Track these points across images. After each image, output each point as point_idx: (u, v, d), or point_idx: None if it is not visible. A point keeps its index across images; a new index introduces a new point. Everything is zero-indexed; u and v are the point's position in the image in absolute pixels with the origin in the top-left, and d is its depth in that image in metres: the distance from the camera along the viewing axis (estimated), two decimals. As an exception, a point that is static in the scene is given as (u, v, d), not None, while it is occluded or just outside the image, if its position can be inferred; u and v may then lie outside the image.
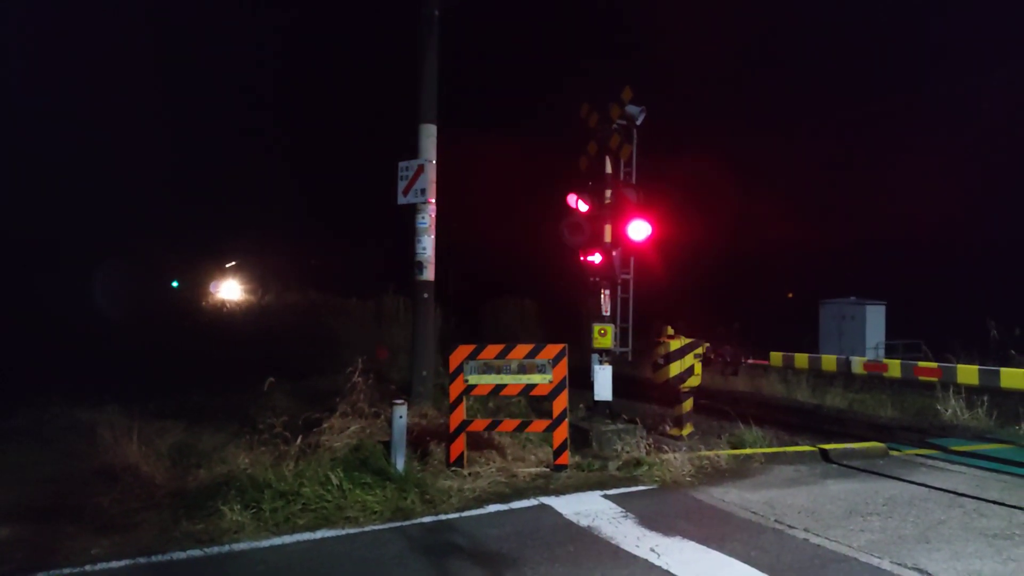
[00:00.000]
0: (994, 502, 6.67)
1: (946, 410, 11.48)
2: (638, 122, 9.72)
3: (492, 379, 7.38)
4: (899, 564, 5.02)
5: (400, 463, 6.59)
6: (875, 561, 5.07)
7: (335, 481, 6.06)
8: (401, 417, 6.66)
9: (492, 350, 7.37)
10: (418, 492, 6.22)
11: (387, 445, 6.77)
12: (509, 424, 7.58)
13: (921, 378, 13.05)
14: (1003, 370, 11.67)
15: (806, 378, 14.84)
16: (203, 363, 13.52)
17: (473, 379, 7.35)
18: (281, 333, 16.96)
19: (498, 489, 6.63)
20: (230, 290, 38.59)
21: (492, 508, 6.12)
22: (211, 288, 37.45)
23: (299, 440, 6.84)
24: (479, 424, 7.48)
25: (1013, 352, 15.25)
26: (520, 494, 6.52)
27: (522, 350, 7.38)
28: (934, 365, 13.07)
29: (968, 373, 12.21)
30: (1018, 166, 31.75)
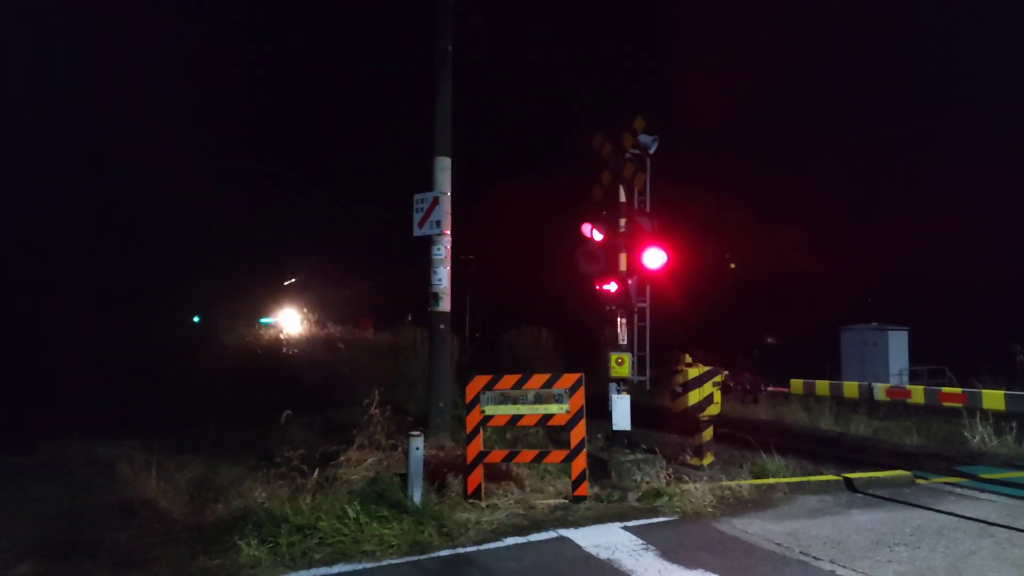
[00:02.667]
0: (1027, 531, 6.48)
1: (973, 437, 11.23)
2: (651, 151, 9.77)
3: (509, 409, 7.33)
4: (930, 597, 4.88)
5: (417, 496, 6.53)
6: (904, 594, 4.93)
7: (352, 514, 6.02)
8: (418, 449, 6.62)
9: (509, 380, 7.34)
10: (435, 525, 6.15)
11: (404, 477, 6.73)
12: (527, 455, 7.51)
13: (946, 404, 12.83)
14: (1029, 395, 11.46)
15: (828, 406, 14.60)
16: (221, 396, 13.57)
17: (490, 410, 7.31)
18: (299, 365, 17.03)
19: (516, 521, 6.55)
20: (289, 319, 31.40)
21: (510, 541, 6.03)
22: (266, 321, 31.85)
23: (316, 473, 6.81)
24: (496, 455, 7.42)
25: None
26: (538, 526, 6.43)
27: (539, 380, 7.34)
28: (959, 391, 12.86)
29: (994, 398, 12.00)
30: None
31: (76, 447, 9.31)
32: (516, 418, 7.33)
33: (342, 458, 7.53)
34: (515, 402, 7.36)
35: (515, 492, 7.36)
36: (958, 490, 8.30)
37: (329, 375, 15.24)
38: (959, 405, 12.25)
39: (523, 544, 5.97)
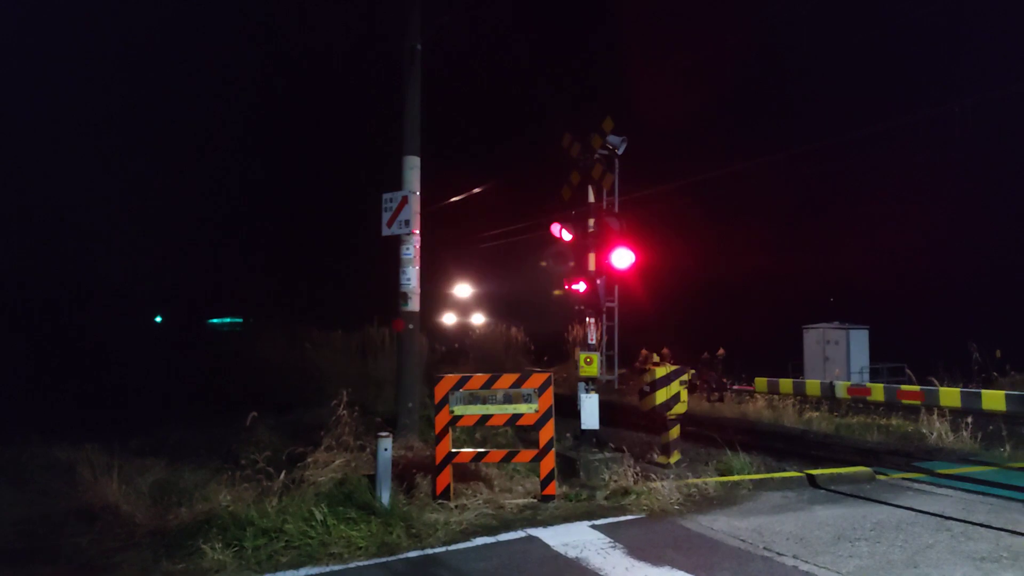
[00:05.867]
0: (981, 525, 6.67)
1: (931, 433, 11.53)
2: (620, 152, 9.85)
3: (478, 409, 7.34)
4: (888, 590, 5.00)
5: (385, 497, 6.50)
6: (864, 587, 5.04)
7: (319, 517, 5.97)
8: (386, 450, 6.59)
9: (478, 380, 7.34)
10: (404, 526, 6.13)
11: (372, 479, 6.69)
12: (496, 455, 7.52)
13: (904, 401, 13.16)
14: (984, 392, 11.81)
15: (792, 403, 14.89)
16: (184, 398, 13.33)
17: (459, 410, 7.30)
18: (264, 367, 16.78)
19: (485, 521, 6.55)
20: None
21: (479, 541, 6.04)
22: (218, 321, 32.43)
23: (282, 475, 6.74)
24: (465, 455, 7.42)
25: (995, 374, 15.42)
26: (507, 526, 6.45)
27: (508, 380, 7.36)
28: (917, 388, 13.20)
29: (950, 396, 12.34)
30: (998, 194, 32.46)
31: (35, 451, 9.06)
32: (485, 418, 7.34)
33: (309, 460, 7.45)
34: (484, 402, 7.37)
35: (484, 492, 7.36)
36: (916, 485, 8.52)
37: (298, 376, 15.06)
38: (918, 402, 12.59)
39: (492, 544, 5.98)
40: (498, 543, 6.00)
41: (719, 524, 6.67)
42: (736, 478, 8.33)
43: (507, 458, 7.51)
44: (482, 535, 6.17)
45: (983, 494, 8.04)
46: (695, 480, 8.04)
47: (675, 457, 9.66)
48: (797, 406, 14.68)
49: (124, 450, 8.61)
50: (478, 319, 29.65)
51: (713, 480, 8.14)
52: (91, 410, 11.58)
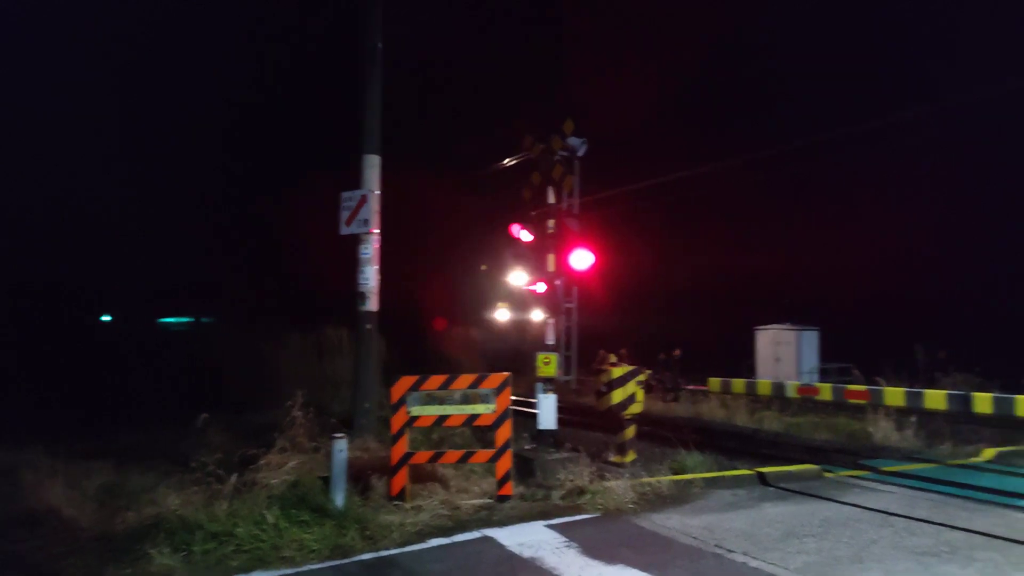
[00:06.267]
0: (922, 520, 6.90)
1: (877, 432, 11.90)
2: (580, 153, 9.97)
3: (435, 410, 7.31)
4: (833, 584, 5.14)
5: (340, 499, 6.44)
6: (810, 582, 5.18)
7: (271, 520, 5.88)
8: (341, 451, 6.53)
9: (435, 381, 7.32)
10: (358, 528, 6.08)
11: (327, 480, 6.62)
12: (452, 455, 7.52)
13: (851, 400, 13.56)
14: (926, 392, 12.24)
15: (744, 403, 15.20)
16: (134, 399, 12.99)
17: (416, 410, 7.27)
18: (218, 367, 16.46)
19: (440, 522, 6.54)
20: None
21: (434, 542, 6.02)
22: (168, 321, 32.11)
23: (234, 478, 6.62)
24: (422, 456, 7.39)
25: (939, 375, 16.00)
26: (463, 527, 6.45)
27: (466, 380, 7.35)
28: (863, 388, 13.62)
29: (895, 395, 12.75)
30: (945, 196, 33.71)
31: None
32: (443, 419, 7.32)
33: (262, 462, 7.34)
34: (442, 402, 7.34)
35: (440, 493, 7.34)
36: (862, 483, 8.78)
37: (253, 377, 14.80)
38: (864, 402, 12.98)
39: (447, 545, 5.97)
40: (453, 544, 6.00)
41: (672, 522, 6.77)
42: (689, 476, 8.47)
43: (464, 458, 7.50)
44: (437, 536, 6.16)
45: (925, 490, 8.34)
46: (649, 479, 8.15)
47: (631, 456, 9.78)
48: (749, 406, 15.00)
49: (70, 453, 8.34)
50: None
51: (667, 479, 8.27)
52: (35, 412, 11.20)
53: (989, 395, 12.45)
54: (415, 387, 7.27)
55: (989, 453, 10.80)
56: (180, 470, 7.17)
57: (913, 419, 11.81)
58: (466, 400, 7.36)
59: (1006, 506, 7.58)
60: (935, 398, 11.86)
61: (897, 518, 7.01)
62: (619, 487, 7.56)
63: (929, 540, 6.26)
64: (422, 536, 6.15)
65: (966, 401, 12.44)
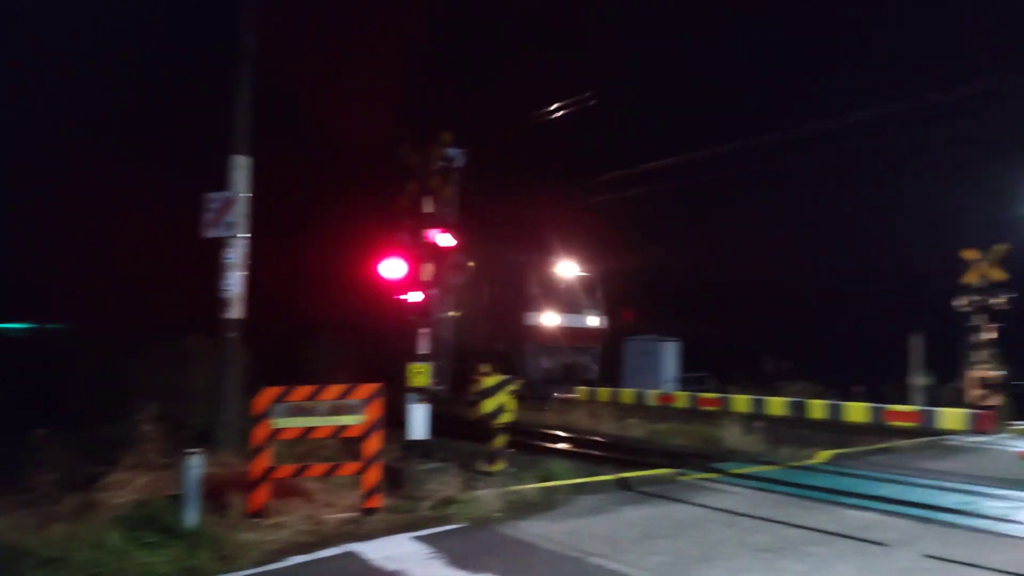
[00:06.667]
0: (764, 519, 7.46)
1: (728, 436, 12.75)
2: (458, 164, 10.01)
3: (302, 422, 7.12)
4: (683, 583, 5.46)
5: (192, 518, 6.10)
6: (662, 582, 5.48)
7: (114, 542, 5.48)
8: (194, 467, 6.19)
9: (302, 391, 7.13)
10: (212, 548, 5.78)
11: (179, 499, 6.25)
12: (318, 468, 7.33)
13: (704, 408, 14.52)
14: (768, 399, 13.32)
15: (611, 411, 15.82)
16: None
17: (281, 423, 7.04)
18: (63, 377, 15.12)
19: (303, 539, 6.34)
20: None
21: (294, 560, 5.84)
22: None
23: (72, 498, 6.11)
24: (285, 470, 7.15)
25: (783, 383, 17.44)
26: (327, 542, 6.29)
27: (335, 391, 7.21)
28: (715, 396, 14.61)
29: (742, 403, 13.79)
30: (790, 211, 36.79)
31: None
32: (309, 431, 7.13)
33: (108, 480, 6.82)
34: (309, 414, 7.16)
35: (304, 508, 7.13)
36: (713, 485, 9.38)
37: (103, 388, 13.69)
38: (716, 408, 13.93)
39: (308, 562, 5.81)
40: (314, 561, 5.84)
41: (537, 529, 6.94)
42: (555, 484, 8.71)
43: (331, 471, 7.34)
44: (298, 553, 5.97)
45: (768, 491, 9.02)
46: (517, 487, 8.31)
47: (500, 465, 9.92)
48: (616, 413, 15.63)
49: None
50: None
51: (534, 487, 8.46)
52: None
53: (822, 402, 13.78)
54: (280, 398, 7.03)
55: (824, 455, 11.85)
56: (13, 491, 6.52)
57: (759, 425, 12.75)
58: (334, 411, 7.22)
59: (837, 504, 8.30)
60: (776, 405, 12.98)
61: (742, 517, 7.54)
62: (487, 496, 7.66)
63: (769, 537, 6.78)
64: (282, 554, 5.94)
65: (802, 408, 13.72)
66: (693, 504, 8.15)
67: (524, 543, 6.49)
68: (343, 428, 7.21)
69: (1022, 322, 16.47)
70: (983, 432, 13.22)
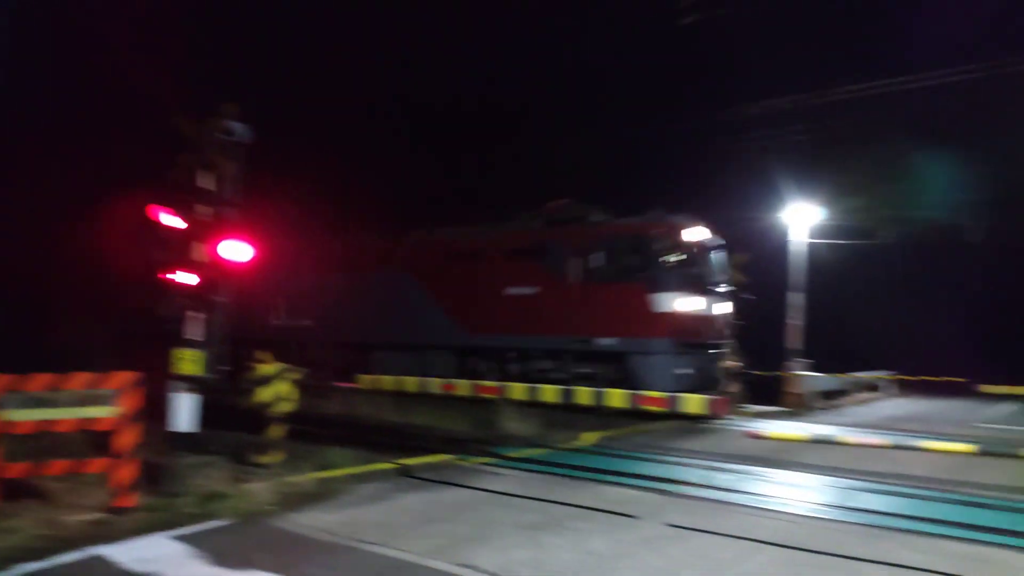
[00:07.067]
0: (535, 498, 7.94)
1: (506, 423, 13.43)
2: (244, 140, 9.38)
3: (40, 414, 6.31)
4: (455, 564, 5.67)
5: None
6: (434, 563, 5.64)
7: None
8: None
9: (42, 380, 6.30)
10: (-85, 563, 4.93)
11: None
12: (59, 466, 6.52)
13: (484, 395, 15.26)
14: (542, 387, 14.33)
15: (394, 399, 15.92)
16: None
17: (15, 415, 6.18)
18: None
19: (37, 544, 5.62)
20: None
21: (25, 568, 5.15)
22: None
23: None
24: (16, 469, 6.28)
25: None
26: (68, 546, 5.62)
27: (83, 379, 6.47)
28: (494, 384, 15.37)
29: (519, 390, 14.66)
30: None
31: None
32: (49, 424, 6.33)
33: None
34: (51, 405, 6.35)
35: (43, 511, 6.33)
36: (490, 468, 9.82)
37: None
38: (495, 396, 14.68)
39: (42, 570, 5.17)
40: (50, 568, 5.21)
41: (311, 520, 6.79)
42: (334, 473, 8.58)
43: (76, 468, 6.58)
44: (30, 560, 5.28)
45: (540, 472, 9.64)
46: (293, 478, 8.07)
47: (277, 456, 9.52)
48: (400, 401, 15.73)
49: None
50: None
51: (311, 477, 8.27)
52: None
53: (588, 389, 15.15)
54: (14, 387, 6.16)
55: (590, 438, 12.94)
56: None
57: (535, 411, 13.60)
58: (83, 402, 6.48)
59: (599, 482, 9.08)
60: (549, 392, 14.02)
61: (515, 498, 7.98)
62: (259, 489, 7.35)
63: (537, 516, 7.24)
64: (9, 563, 5.21)
65: (571, 395, 15.06)
66: (470, 488, 8.46)
67: (298, 536, 6.33)
68: (94, 420, 6.49)
69: (758, 321, 20.34)
70: (716, 416, 15.30)
